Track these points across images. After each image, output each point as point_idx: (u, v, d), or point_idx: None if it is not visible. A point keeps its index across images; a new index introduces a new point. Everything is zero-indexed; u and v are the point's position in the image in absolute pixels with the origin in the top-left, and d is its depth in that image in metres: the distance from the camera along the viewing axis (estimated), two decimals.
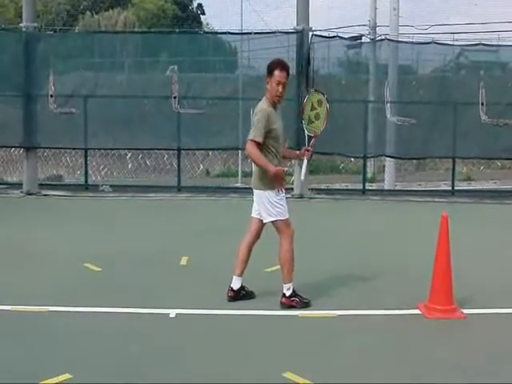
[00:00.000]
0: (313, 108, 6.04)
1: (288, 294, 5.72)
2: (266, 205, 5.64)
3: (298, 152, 6.15)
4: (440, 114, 12.54)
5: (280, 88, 5.61)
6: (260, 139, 5.50)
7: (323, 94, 6.09)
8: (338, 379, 4.30)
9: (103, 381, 4.21)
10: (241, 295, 5.88)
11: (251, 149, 5.53)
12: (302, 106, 6.21)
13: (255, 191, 5.75)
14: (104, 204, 11.75)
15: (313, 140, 6.02)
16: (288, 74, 5.72)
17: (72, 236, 8.59)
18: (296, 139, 10.74)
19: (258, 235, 5.87)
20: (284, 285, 5.72)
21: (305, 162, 5.95)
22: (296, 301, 5.72)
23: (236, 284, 5.86)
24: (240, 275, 5.86)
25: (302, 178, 6.22)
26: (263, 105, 5.65)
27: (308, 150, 5.89)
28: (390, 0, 17.66)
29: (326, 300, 5.92)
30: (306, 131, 6.08)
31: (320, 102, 6.03)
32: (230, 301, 5.83)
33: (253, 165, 5.85)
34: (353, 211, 11.32)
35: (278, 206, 5.63)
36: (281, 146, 5.76)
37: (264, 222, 5.75)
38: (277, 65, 5.65)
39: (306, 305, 5.74)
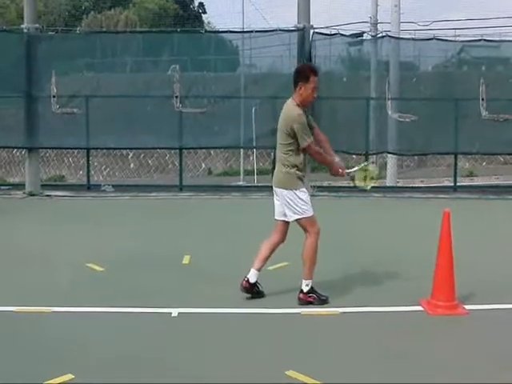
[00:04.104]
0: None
1: (306, 290, 5.72)
2: (291, 203, 5.64)
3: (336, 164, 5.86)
4: (442, 110, 12.52)
5: (315, 93, 5.69)
6: (312, 138, 5.63)
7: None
8: (341, 376, 4.30)
9: (106, 381, 4.22)
10: (254, 292, 5.85)
11: (310, 150, 5.64)
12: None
13: (278, 190, 5.72)
14: (106, 204, 11.75)
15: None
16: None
17: (74, 236, 8.59)
18: None
19: (283, 237, 5.87)
20: (303, 281, 5.73)
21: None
22: (313, 297, 5.72)
23: (252, 277, 5.82)
24: (258, 270, 5.82)
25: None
26: (296, 110, 5.62)
27: (342, 174, 5.87)
28: None
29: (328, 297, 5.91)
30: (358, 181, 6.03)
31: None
32: (243, 291, 5.80)
33: (277, 163, 5.77)
34: (355, 208, 11.32)
35: (303, 203, 5.64)
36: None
37: (289, 220, 5.74)
38: (311, 70, 5.73)
39: (323, 302, 5.73)
